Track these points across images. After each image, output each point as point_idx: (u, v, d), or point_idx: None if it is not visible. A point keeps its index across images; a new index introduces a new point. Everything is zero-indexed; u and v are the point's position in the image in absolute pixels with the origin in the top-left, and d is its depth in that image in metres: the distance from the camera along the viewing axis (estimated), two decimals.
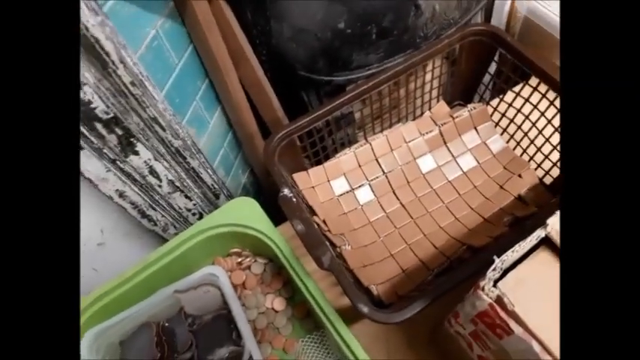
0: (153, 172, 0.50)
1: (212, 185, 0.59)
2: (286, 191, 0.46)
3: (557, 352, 0.26)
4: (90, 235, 0.51)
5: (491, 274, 0.29)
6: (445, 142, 0.61)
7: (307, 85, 0.60)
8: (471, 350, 0.39)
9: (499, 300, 0.29)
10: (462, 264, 0.41)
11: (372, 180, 0.59)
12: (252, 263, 0.56)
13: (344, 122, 0.62)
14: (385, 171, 0.60)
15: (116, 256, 0.54)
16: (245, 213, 0.52)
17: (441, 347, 0.49)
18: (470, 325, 0.35)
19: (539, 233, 0.30)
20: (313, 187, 0.57)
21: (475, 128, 0.61)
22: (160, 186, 0.52)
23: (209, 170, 0.57)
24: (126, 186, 0.48)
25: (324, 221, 0.52)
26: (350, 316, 0.46)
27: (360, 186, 0.59)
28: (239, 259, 0.55)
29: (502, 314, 0.29)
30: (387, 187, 0.59)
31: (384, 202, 0.58)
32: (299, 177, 0.56)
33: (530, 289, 0.29)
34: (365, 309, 0.38)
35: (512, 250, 0.30)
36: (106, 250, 0.53)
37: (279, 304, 0.53)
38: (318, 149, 0.56)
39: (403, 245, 0.53)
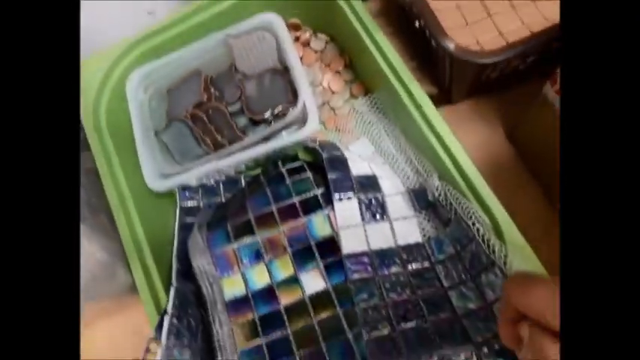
0: None
1: None
2: None
3: None
4: None
5: None
6: None
7: None
8: None
9: None
10: None
11: None
12: (312, 39, 0.49)
13: None
14: None
15: None
16: None
17: (533, 131, 0.41)
18: None
19: None
20: None
21: None
22: None
23: None
24: None
25: None
26: None
27: None
28: (297, 33, 0.49)
29: None
30: None
31: None
32: None
33: None
34: (451, 45, 0.31)
35: None
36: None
37: (337, 84, 0.47)
38: None
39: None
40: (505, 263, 0.30)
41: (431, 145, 0.35)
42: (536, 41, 0.34)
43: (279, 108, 0.40)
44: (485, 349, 0.30)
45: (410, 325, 0.32)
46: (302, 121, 0.38)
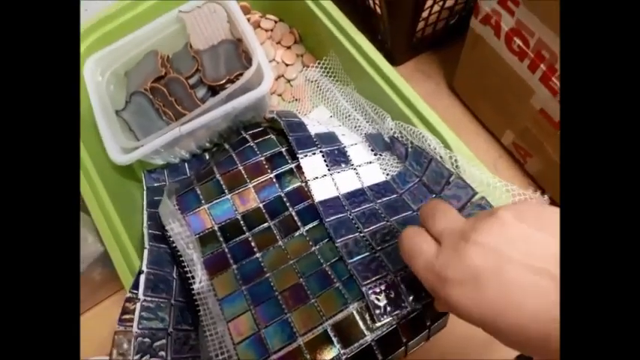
0: None
1: None
2: None
3: None
4: None
5: None
6: None
7: None
8: (511, 37, 0.35)
9: None
10: None
11: None
12: (262, 20, 0.52)
13: None
14: None
15: None
16: None
17: (468, 82, 0.45)
18: None
19: None
20: None
21: None
22: None
23: None
24: None
25: None
26: None
27: None
28: (247, 16, 0.51)
29: None
30: None
31: None
32: None
33: None
34: None
35: None
36: None
37: (289, 58, 0.50)
38: None
39: None
40: (460, 172, 0.33)
41: (384, 92, 0.38)
42: None
43: (236, 73, 0.42)
44: None
45: (389, 244, 0.33)
46: (258, 82, 0.40)
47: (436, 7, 0.41)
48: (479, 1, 0.35)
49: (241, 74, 0.42)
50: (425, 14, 0.41)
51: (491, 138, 0.46)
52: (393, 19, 0.41)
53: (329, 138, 0.40)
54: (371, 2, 0.44)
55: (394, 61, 0.48)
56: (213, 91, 0.44)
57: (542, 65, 0.33)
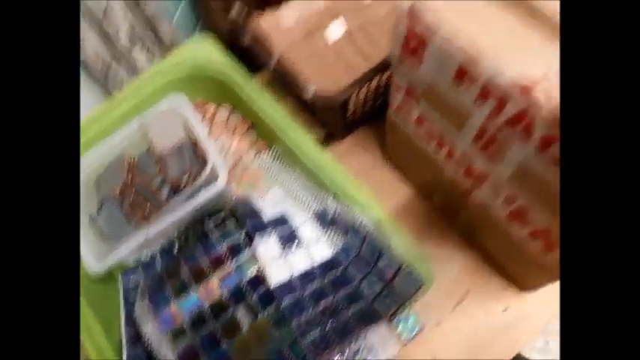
0: None
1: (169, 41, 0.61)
2: (236, 9, 0.48)
3: (479, 45, 0.29)
4: None
5: None
6: None
7: None
8: (417, 124, 0.41)
9: (413, 10, 0.31)
10: None
11: (328, 24, 0.61)
12: (218, 112, 0.58)
13: None
14: (339, 15, 0.61)
15: None
16: (204, 51, 0.53)
17: (395, 154, 0.52)
18: (402, 80, 0.38)
19: None
20: (272, 27, 0.58)
21: None
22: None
23: (164, 24, 0.59)
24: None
25: (282, 55, 0.54)
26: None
27: (317, 29, 0.61)
28: (204, 109, 0.58)
29: (418, 22, 0.31)
30: (343, 28, 0.61)
31: (340, 45, 0.61)
32: (259, 18, 0.57)
33: (443, 3, 0.32)
34: (312, 88, 0.41)
35: None
36: None
37: (244, 145, 0.56)
38: None
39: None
40: (390, 247, 0.38)
41: (321, 175, 0.44)
42: (371, 73, 0.45)
43: (194, 173, 0.48)
44: (395, 319, 0.37)
45: (336, 320, 0.38)
46: (214, 179, 0.46)
47: (362, 96, 0.48)
48: (390, 96, 0.42)
49: (199, 173, 0.47)
50: (351, 105, 0.48)
51: (421, 202, 0.52)
52: (325, 112, 0.48)
53: (282, 221, 0.46)
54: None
55: (334, 139, 0.55)
56: (177, 189, 0.49)
57: (444, 147, 0.39)
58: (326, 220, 0.46)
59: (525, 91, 0.27)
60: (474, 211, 0.43)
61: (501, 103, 0.29)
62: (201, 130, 0.48)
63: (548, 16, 0.29)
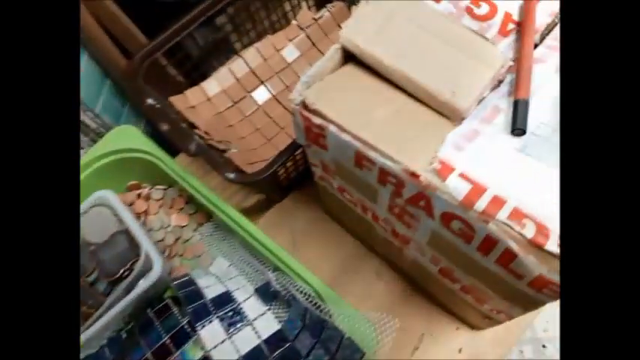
0: None
1: (97, 129, 0.60)
2: (150, 100, 0.48)
3: (367, 136, 0.30)
4: None
5: (299, 86, 0.33)
6: (314, 44, 0.65)
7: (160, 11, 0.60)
8: (340, 192, 0.42)
9: (305, 105, 0.32)
10: None
11: (251, 91, 0.62)
12: (152, 191, 0.57)
13: (216, 46, 0.64)
14: (263, 80, 0.62)
15: None
16: (129, 139, 0.53)
17: (332, 211, 0.53)
18: (316, 159, 0.39)
19: (335, 46, 0.34)
20: (193, 106, 0.59)
21: (338, 26, 0.65)
22: None
23: (88, 113, 0.58)
24: None
25: (206, 132, 0.55)
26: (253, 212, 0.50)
27: (242, 99, 0.61)
28: (138, 191, 0.57)
29: (311, 117, 0.32)
30: (269, 94, 0.62)
31: (268, 108, 0.61)
32: (176, 99, 0.57)
33: (334, 93, 0.33)
34: (231, 175, 0.41)
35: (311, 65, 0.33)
36: None
37: (183, 219, 0.56)
38: (191, 68, 0.58)
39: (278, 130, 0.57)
40: (331, 316, 0.38)
41: (256, 248, 0.44)
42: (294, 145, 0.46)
43: (131, 262, 0.47)
44: None
45: None
46: (150, 267, 0.45)
47: (289, 164, 0.49)
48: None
49: (133, 264, 0.46)
50: (281, 173, 0.49)
51: (366, 250, 0.52)
52: (256, 183, 0.48)
53: (225, 300, 0.45)
54: None
55: (274, 201, 0.55)
56: (114, 282, 0.48)
57: (368, 212, 0.40)
58: (269, 294, 0.45)
59: (415, 177, 0.28)
60: (411, 264, 0.44)
61: (399, 186, 0.30)
62: (131, 221, 0.47)
63: (427, 98, 0.31)
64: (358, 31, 0.33)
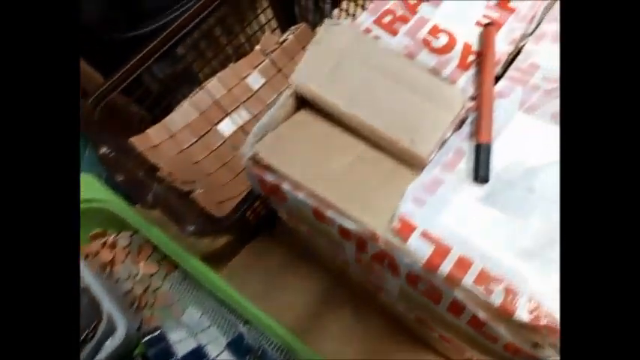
0: None
1: None
2: (104, 149, 0.45)
3: (324, 193, 0.28)
4: None
5: (251, 138, 0.30)
6: (280, 70, 0.62)
7: (116, 49, 0.58)
8: (310, 235, 0.40)
9: (256, 159, 0.30)
10: None
11: (217, 123, 0.59)
12: (118, 239, 0.54)
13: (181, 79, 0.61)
14: (228, 111, 0.60)
15: None
16: (87, 189, 0.50)
17: (307, 248, 0.51)
18: (277, 207, 0.37)
19: (287, 92, 0.32)
20: (156, 145, 0.56)
21: (303, 48, 0.63)
22: None
23: None
24: None
25: (169, 173, 0.52)
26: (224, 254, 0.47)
27: (206, 132, 0.59)
28: (103, 240, 0.54)
29: (263, 174, 0.30)
30: (234, 125, 0.60)
31: (235, 140, 0.59)
32: (138, 139, 0.55)
33: (287, 144, 0.30)
34: (191, 228, 0.39)
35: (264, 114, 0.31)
36: None
37: (151, 266, 0.53)
38: (153, 104, 0.56)
39: None
40: None
41: (224, 301, 0.42)
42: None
43: (93, 324, 0.44)
44: None
45: None
46: (114, 329, 0.42)
47: (257, 204, 0.46)
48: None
49: (97, 325, 0.43)
50: (249, 215, 0.46)
51: (344, 289, 0.50)
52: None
53: (196, 356, 0.42)
54: None
55: (244, 242, 0.53)
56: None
57: (339, 256, 0.38)
58: (242, 349, 0.43)
59: (374, 239, 0.26)
60: (389, 307, 0.42)
61: (361, 244, 0.28)
62: (91, 279, 0.44)
63: (386, 145, 0.29)
64: (311, 74, 0.31)
